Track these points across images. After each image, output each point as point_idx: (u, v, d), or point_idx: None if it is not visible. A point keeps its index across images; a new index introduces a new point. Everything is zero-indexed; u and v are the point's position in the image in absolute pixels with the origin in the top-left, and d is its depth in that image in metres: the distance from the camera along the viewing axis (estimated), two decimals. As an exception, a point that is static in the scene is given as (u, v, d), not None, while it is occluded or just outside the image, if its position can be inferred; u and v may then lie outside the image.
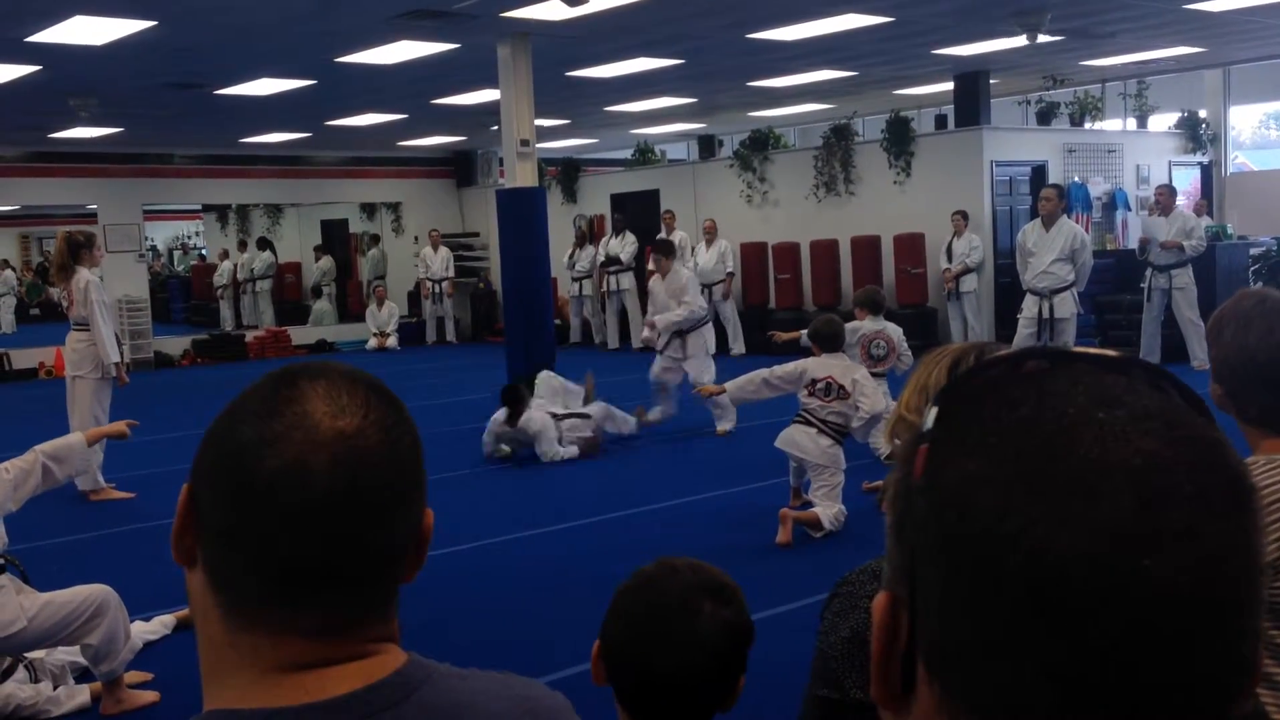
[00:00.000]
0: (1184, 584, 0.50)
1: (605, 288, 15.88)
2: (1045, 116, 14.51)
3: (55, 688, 4.21)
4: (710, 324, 9.26)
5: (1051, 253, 9.42)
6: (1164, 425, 0.53)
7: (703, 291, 14.46)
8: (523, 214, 10.48)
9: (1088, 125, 14.75)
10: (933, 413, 0.57)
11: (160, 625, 4.83)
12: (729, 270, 14.58)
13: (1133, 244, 12.51)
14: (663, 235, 15.06)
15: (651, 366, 9.14)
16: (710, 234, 14.66)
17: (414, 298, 19.01)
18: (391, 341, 17.86)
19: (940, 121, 15.17)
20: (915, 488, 0.56)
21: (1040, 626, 0.50)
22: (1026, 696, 0.51)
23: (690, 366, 8.84)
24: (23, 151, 16.24)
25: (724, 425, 8.92)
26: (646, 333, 9.04)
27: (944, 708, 0.55)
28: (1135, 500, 0.50)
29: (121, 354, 7.88)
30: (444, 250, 18.15)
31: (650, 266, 9.14)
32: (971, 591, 0.52)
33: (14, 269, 26.65)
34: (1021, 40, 11.13)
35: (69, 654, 4.29)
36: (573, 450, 8.25)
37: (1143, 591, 0.50)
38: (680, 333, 8.89)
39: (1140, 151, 15.03)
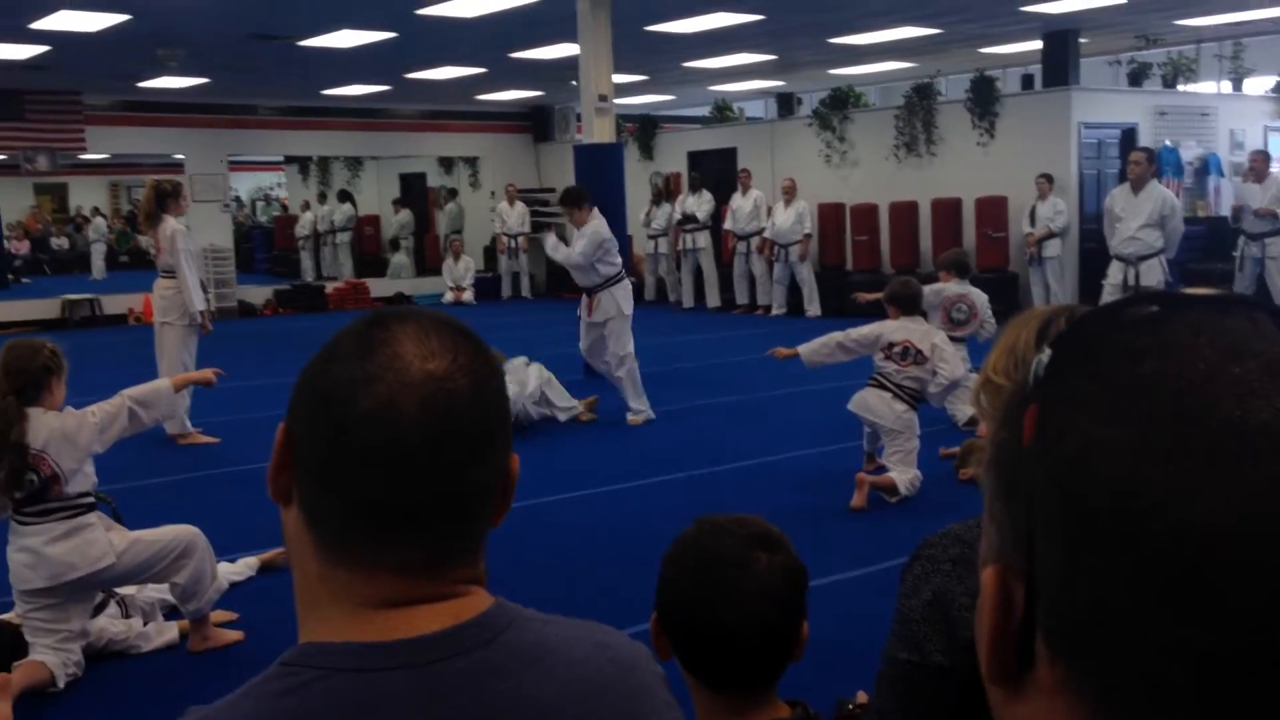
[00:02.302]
0: None
1: (681, 246, 15.84)
2: (1136, 78, 14.09)
3: (145, 624, 4.35)
4: (625, 284, 8.14)
5: (1139, 218, 9.17)
6: None
7: (777, 252, 14.56)
8: (600, 170, 10.45)
9: (1180, 87, 14.30)
10: (1041, 363, 0.53)
11: (245, 567, 4.97)
12: (806, 231, 14.44)
13: (1225, 211, 12.15)
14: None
15: (580, 343, 8.40)
16: (789, 194, 14.50)
17: (490, 252, 19.12)
18: (467, 295, 18.02)
19: (1027, 81, 14.81)
20: (1028, 453, 0.52)
21: (1179, 603, 0.47)
22: (1162, 674, 0.48)
23: (609, 337, 8.00)
24: (113, 100, 16.57)
25: (637, 416, 8.10)
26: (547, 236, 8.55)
27: (1068, 685, 0.52)
28: None
29: (207, 302, 8.06)
30: (520, 205, 18.22)
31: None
32: (1101, 566, 0.49)
33: (105, 216, 27.30)
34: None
35: (159, 591, 4.43)
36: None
37: None
38: (588, 291, 8.05)
39: (1235, 115, 14.54)
